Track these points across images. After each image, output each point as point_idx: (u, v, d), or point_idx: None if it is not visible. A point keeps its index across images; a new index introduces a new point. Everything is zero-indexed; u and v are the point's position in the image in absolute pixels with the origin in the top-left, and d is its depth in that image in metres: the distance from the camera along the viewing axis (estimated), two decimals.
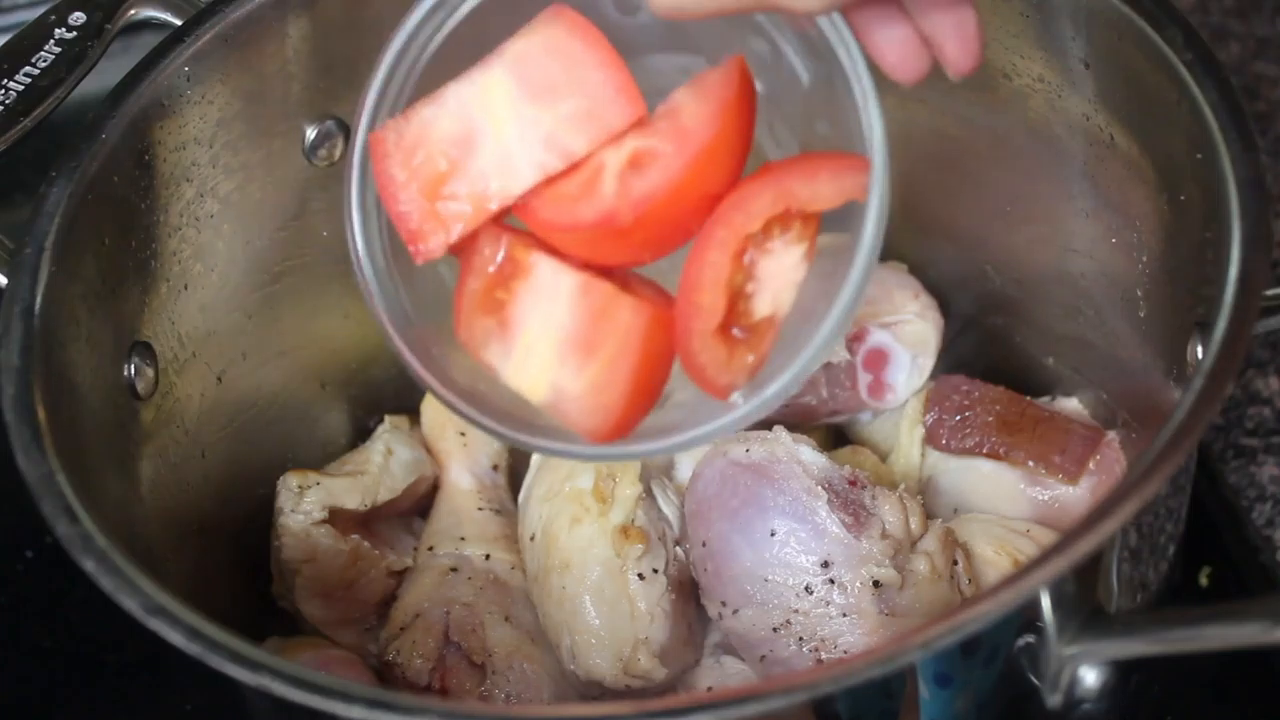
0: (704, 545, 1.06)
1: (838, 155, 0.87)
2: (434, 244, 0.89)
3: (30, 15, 1.12)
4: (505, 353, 0.89)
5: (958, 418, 1.17)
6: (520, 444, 0.93)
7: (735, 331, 0.88)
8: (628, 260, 0.90)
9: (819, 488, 1.04)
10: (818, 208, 0.87)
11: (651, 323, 0.88)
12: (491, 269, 0.89)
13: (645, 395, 0.90)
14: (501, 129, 0.88)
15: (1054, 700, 0.88)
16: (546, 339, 0.88)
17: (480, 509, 1.19)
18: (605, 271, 0.89)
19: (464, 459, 1.22)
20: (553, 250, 0.89)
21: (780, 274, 0.87)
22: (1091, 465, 1.14)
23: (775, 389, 0.88)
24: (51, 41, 1.09)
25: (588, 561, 1.07)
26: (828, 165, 0.87)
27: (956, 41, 0.85)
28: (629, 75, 0.88)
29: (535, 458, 1.17)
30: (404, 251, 0.91)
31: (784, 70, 0.92)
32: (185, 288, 1.11)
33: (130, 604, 0.86)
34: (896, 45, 0.86)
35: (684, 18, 0.84)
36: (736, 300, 0.88)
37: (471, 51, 0.90)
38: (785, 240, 0.87)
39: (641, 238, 0.87)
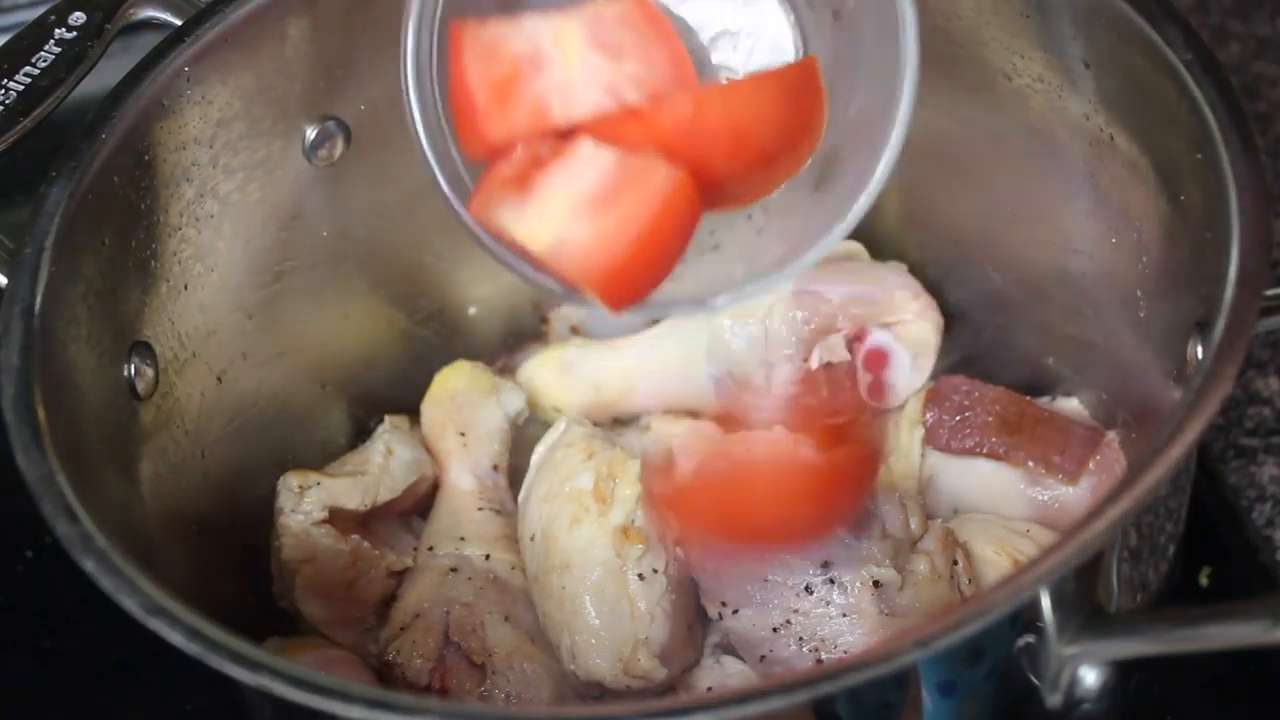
0: (704, 545, 1.06)
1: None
2: (491, 132, 0.93)
3: (30, 15, 1.12)
4: (519, 211, 0.91)
5: (958, 418, 1.17)
6: (552, 290, 0.95)
7: None
8: None
9: None
10: None
11: (677, 190, 0.90)
12: (529, 153, 0.92)
13: (652, 262, 0.92)
14: (569, 63, 0.93)
15: (1054, 700, 0.88)
16: (565, 199, 0.90)
17: (480, 509, 1.19)
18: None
19: (464, 459, 1.21)
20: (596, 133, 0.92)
21: None
22: (1091, 465, 1.14)
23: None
24: (51, 41, 1.09)
25: (588, 562, 1.07)
26: None
27: None
28: (688, 58, 0.94)
29: (535, 458, 1.17)
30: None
31: None
32: (185, 288, 1.11)
33: (130, 604, 0.86)
34: None
35: None
36: None
37: None
38: None
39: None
